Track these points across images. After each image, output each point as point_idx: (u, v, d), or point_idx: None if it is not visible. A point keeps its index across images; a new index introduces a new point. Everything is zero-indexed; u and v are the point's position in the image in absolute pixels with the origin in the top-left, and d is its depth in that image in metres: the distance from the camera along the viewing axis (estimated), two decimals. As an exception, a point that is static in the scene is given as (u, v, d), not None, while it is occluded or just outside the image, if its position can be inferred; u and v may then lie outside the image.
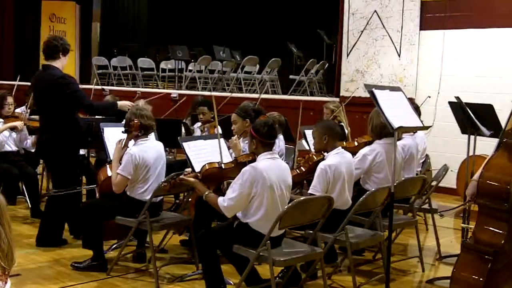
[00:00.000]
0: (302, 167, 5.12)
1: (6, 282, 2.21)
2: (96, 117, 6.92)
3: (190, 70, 13.36)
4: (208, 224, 5.08)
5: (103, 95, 8.99)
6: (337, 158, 4.80)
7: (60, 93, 5.41)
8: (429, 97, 8.44)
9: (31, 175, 6.78)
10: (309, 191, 4.72)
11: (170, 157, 7.46)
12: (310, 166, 5.01)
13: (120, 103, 5.78)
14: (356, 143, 5.82)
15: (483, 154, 5.71)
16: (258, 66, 13.25)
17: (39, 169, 7.49)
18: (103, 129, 5.55)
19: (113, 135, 5.46)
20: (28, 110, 7.27)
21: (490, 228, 3.60)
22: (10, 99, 6.89)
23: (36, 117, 7.00)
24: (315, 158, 5.01)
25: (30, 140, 6.84)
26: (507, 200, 3.51)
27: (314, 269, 4.69)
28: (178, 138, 5.16)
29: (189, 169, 4.83)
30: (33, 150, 6.94)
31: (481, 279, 3.51)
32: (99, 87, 12.52)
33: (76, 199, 5.69)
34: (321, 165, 4.73)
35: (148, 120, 4.98)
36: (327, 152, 4.91)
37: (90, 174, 6.60)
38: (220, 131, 5.40)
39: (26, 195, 6.82)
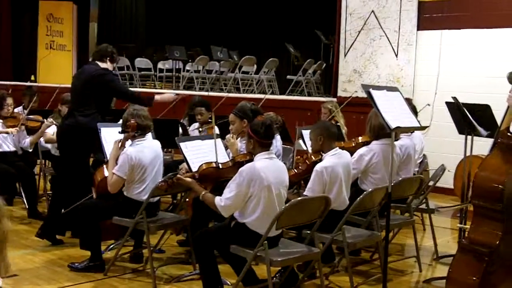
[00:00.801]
0: (300, 167, 5.12)
1: None
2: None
3: (188, 70, 13.36)
4: (205, 225, 5.08)
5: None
6: (333, 159, 4.80)
7: (99, 84, 5.59)
8: (428, 105, 8.39)
9: (29, 175, 6.77)
10: (305, 193, 4.72)
11: (168, 157, 7.45)
12: (308, 166, 5.01)
13: (162, 97, 6.13)
14: (353, 143, 5.82)
15: (480, 154, 5.71)
16: (255, 66, 13.26)
17: (36, 170, 7.48)
18: (100, 129, 5.54)
19: (110, 135, 5.46)
20: (26, 111, 7.26)
21: (485, 229, 3.61)
22: (9, 100, 6.89)
23: (34, 117, 7.02)
24: (313, 158, 5.01)
25: (28, 140, 6.83)
26: (501, 200, 3.52)
27: (311, 269, 4.68)
28: (175, 138, 5.15)
29: (184, 165, 4.83)
30: (30, 150, 6.93)
31: (476, 279, 3.52)
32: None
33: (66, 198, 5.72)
34: (317, 167, 4.73)
35: (146, 120, 4.97)
36: (324, 153, 4.91)
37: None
38: (217, 131, 5.40)
39: (24, 195, 6.81)
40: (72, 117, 5.67)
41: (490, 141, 5.33)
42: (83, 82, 5.68)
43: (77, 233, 5.70)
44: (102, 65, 5.72)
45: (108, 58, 5.77)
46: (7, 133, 6.69)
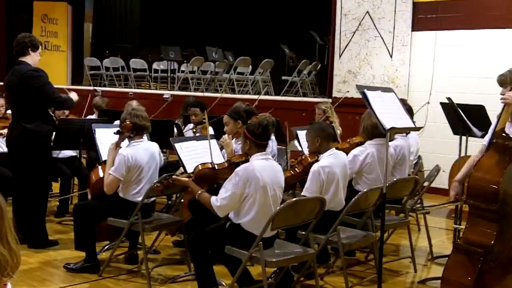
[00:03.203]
0: (296, 169, 5.11)
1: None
2: (88, 118, 6.94)
3: (183, 71, 13.36)
4: (201, 225, 5.07)
5: (95, 96, 8.96)
6: (330, 159, 4.81)
7: (29, 86, 5.37)
8: (428, 103, 8.38)
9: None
10: (303, 193, 4.72)
11: (163, 158, 7.44)
12: (305, 167, 5.01)
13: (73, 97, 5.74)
14: (348, 144, 5.83)
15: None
16: (250, 67, 13.26)
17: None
18: (94, 130, 5.54)
19: (104, 136, 5.46)
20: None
21: (480, 229, 3.62)
22: (1, 101, 6.86)
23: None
24: (309, 159, 5.01)
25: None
26: (496, 200, 3.53)
27: (306, 270, 4.68)
28: (170, 139, 5.15)
29: (182, 169, 4.83)
30: None
31: (471, 279, 3.52)
32: (91, 87, 12.50)
33: (40, 204, 5.64)
34: (314, 167, 4.74)
35: (143, 121, 4.95)
36: (321, 154, 4.91)
37: (82, 175, 6.59)
38: (212, 132, 5.39)
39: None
40: (19, 126, 5.46)
41: (484, 141, 5.35)
42: (15, 87, 5.46)
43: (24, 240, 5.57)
44: (28, 59, 5.46)
45: (29, 49, 5.47)
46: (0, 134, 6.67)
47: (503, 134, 3.76)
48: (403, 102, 5.83)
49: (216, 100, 8.01)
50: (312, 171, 4.72)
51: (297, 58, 13.28)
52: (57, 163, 6.51)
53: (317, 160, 4.89)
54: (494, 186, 3.54)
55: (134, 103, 7.10)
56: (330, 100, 9.42)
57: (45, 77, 5.46)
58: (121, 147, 4.98)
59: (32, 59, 5.50)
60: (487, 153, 3.75)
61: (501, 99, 4.11)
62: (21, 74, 5.41)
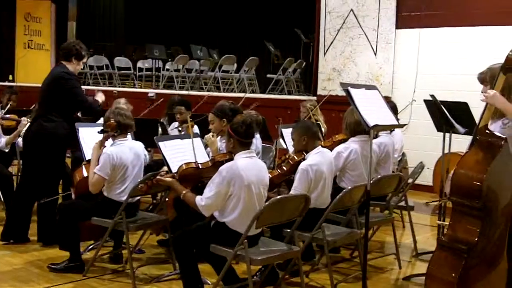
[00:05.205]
0: (283, 167, 5.11)
1: None
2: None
3: (168, 69, 13.32)
4: (186, 224, 5.06)
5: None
6: (317, 158, 4.82)
7: (59, 87, 5.47)
8: (415, 100, 8.42)
9: (6, 175, 6.69)
10: (291, 192, 4.71)
11: (148, 157, 7.41)
12: (292, 166, 5.01)
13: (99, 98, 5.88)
14: (330, 142, 5.84)
15: (459, 152, 5.76)
16: (235, 65, 13.26)
17: (14, 170, 7.40)
18: (78, 129, 5.51)
19: (88, 135, 5.43)
20: (4, 110, 7.19)
21: (464, 226, 3.63)
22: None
23: (10, 116, 6.95)
24: (296, 158, 5.01)
25: (3, 140, 6.75)
26: (479, 197, 3.54)
27: (291, 267, 4.69)
28: (154, 137, 5.12)
29: (166, 168, 4.82)
30: (6, 150, 6.84)
31: (455, 276, 3.54)
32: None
33: (51, 204, 5.64)
34: (302, 166, 4.74)
35: (127, 120, 4.94)
36: (307, 152, 4.92)
37: (66, 175, 6.55)
38: (197, 131, 5.37)
39: (1, 196, 6.73)
40: (37, 123, 5.52)
41: (468, 138, 5.38)
42: (46, 85, 5.57)
43: (48, 241, 5.60)
44: (69, 65, 5.55)
45: (73, 57, 5.55)
46: None
47: (487, 131, 3.78)
48: (388, 99, 5.84)
49: (204, 98, 8.00)
50: (300, 170, 4.72)
51: (282, 56, 13.29)
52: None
53: (303, 159, 4.90)
54: (477, 183, 3.55)
55: (122, 101, 7.07)
56: (315, 98, 9.45)
57: (75, 82, 5.56)
58: (105, 146, 4.96)
59: (73, 66, 5.60)
60: (470, 150, 3.77)
61: (482, 99, 4.10)
62: (54, 75, 5.54)
